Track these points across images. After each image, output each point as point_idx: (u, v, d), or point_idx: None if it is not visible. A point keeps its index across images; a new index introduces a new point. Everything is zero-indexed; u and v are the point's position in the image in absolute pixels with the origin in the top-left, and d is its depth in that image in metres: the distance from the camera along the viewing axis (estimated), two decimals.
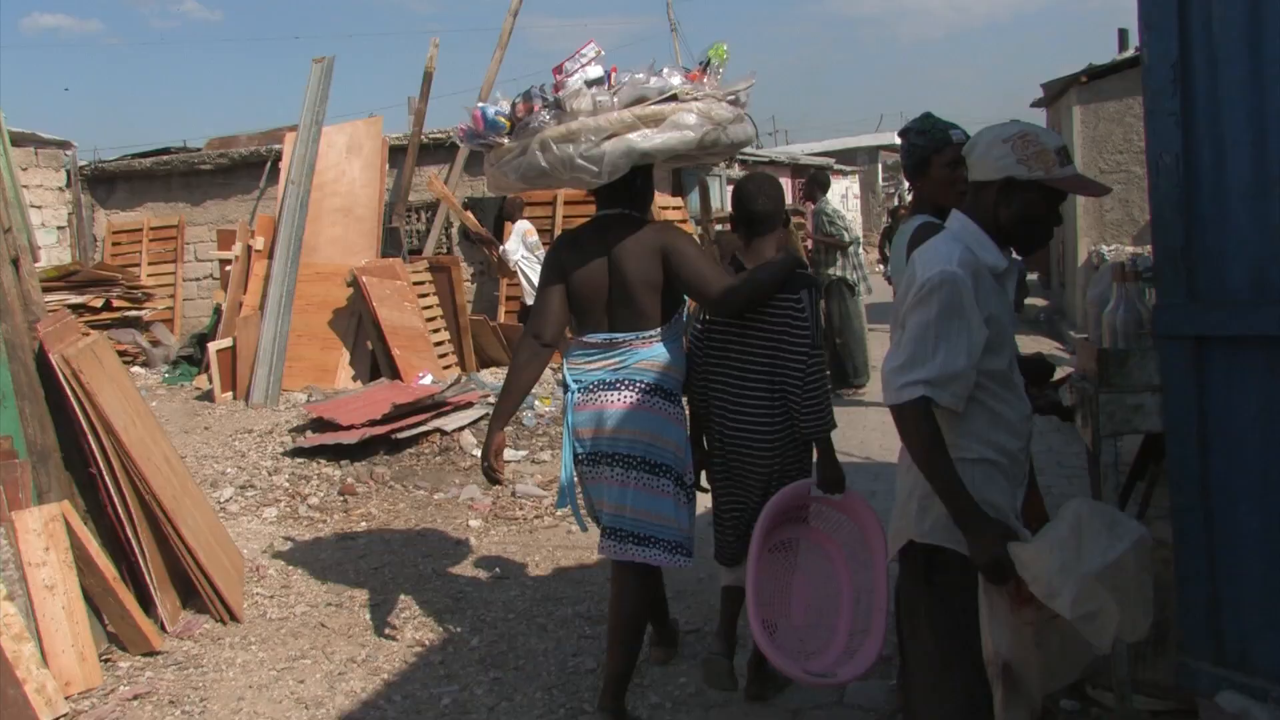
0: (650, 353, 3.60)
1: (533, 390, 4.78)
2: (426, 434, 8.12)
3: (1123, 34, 13.70)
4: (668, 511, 3.57)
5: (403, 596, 5.21)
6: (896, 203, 26.43)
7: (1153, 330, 3.08)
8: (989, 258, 2.52)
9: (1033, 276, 17.72)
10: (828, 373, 3.75)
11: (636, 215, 3.71)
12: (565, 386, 3.72)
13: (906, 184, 33.80)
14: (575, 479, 3.78)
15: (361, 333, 10.52)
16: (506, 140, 3.65)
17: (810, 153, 34.69)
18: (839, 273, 9.67)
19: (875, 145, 39.05)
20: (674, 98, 3.53)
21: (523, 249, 10.87)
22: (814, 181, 10.07)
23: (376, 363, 10.46)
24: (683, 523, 3.60)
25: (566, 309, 3.67)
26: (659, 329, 3.63)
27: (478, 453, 7.74)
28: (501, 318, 13.37)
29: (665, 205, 13.45)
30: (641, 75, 3.58)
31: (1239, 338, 2.81)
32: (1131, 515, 3.25)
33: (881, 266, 21.72)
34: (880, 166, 38.93)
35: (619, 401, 3.56)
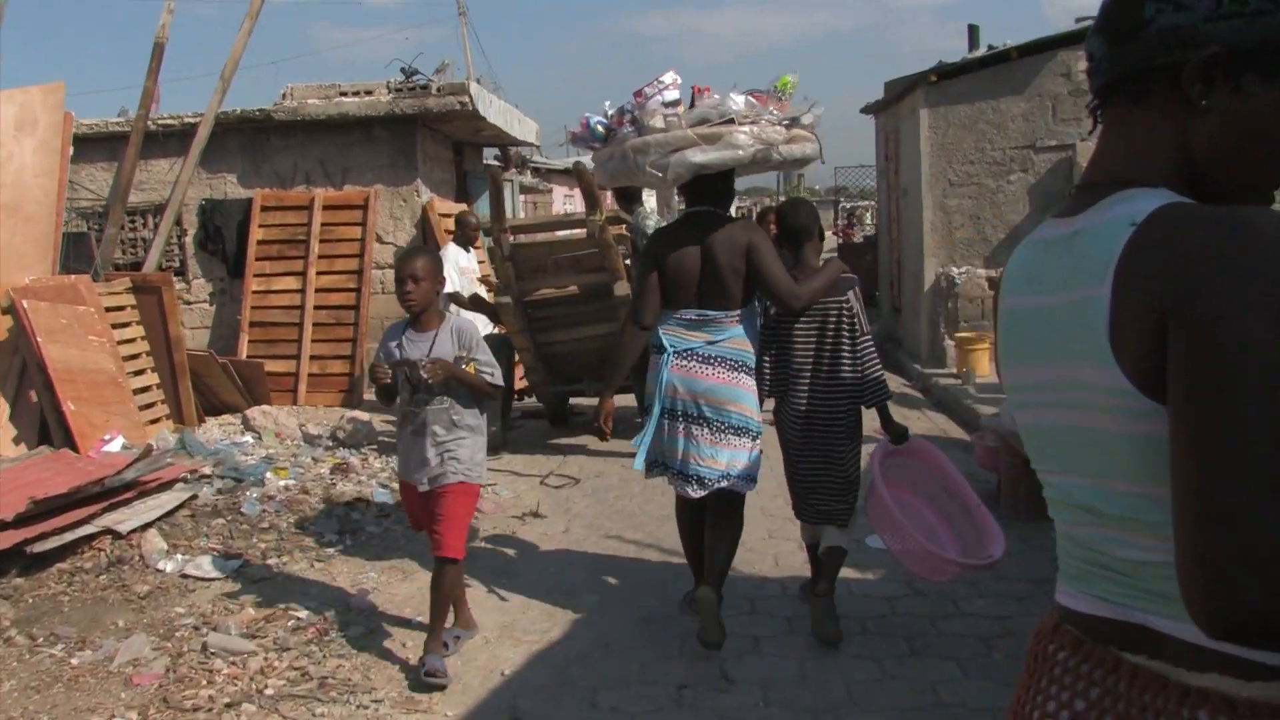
0: (737, 331, 4.25)
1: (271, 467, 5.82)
2: (91, 538, 5.46)
3: (973, 30, 12.26)
4: (750, 460, 4.28)
5: None
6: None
7: None
8: None
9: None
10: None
11: (720, 212, 4.39)
12: (660, 349, 4.29)
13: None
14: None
15: (27, 379, 7.61)
16: (600, 146, 4.49)
17: None
18: None
19: None
20: (731, 120, 4.19)
21: (458, 280, 8.12)
22: (622, 192, 7.95)
23: (47, 421, 7.57)
24: (755, 467, 4.33)
25: (659, 294, 4.29)
26: (741, 310, 4.27)
27: (167, 566, 5.18)
28: (243, 350, 10.60)
29: (445, 212, 11.03)
30: (716, 97, 4.29)
31: None
32: None
33: None
34: None
35: (716, 376, 4.21)
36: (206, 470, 6.83)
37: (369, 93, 10.77)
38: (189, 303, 11.38)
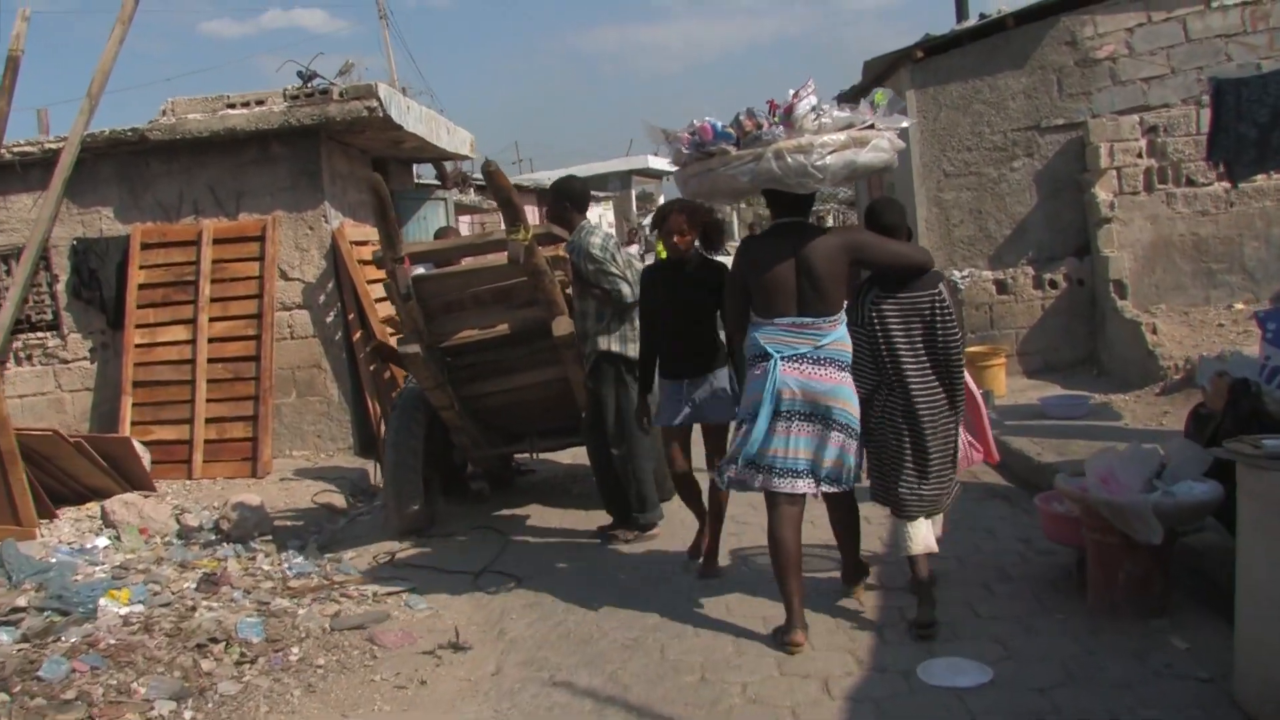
0: (838, 334, 4.36)
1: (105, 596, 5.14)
2: None
3: None
4: (850, 461, 4.41)
5: None
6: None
7: None
8: None
9: None
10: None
11: (810, 223, 4.57)
12: (764, 355, 4.34)
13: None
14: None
15: None
16: (734, 149, 4.30)
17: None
18: (614, 345, 5.87)
19: (628, 170, 36.03)
20: (871, 126, 4.28)
21: None
22: (565, 193, 6.33)
23: None
24: (859, 465, 4.51)
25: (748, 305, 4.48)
26: (840, 314, 4.39)
27: None
28: (127, 416, 8.87)
29: (360, 239, 9.35)
30: (829, 105, 4.30)
31: None
32: None
33: None
34: (634, 193, 35.93)
35: (829, 377, 4.32)
36: (20, 600, 5.13)
37: (260, 103, 9.07)
38: (66, 362, 9.62)
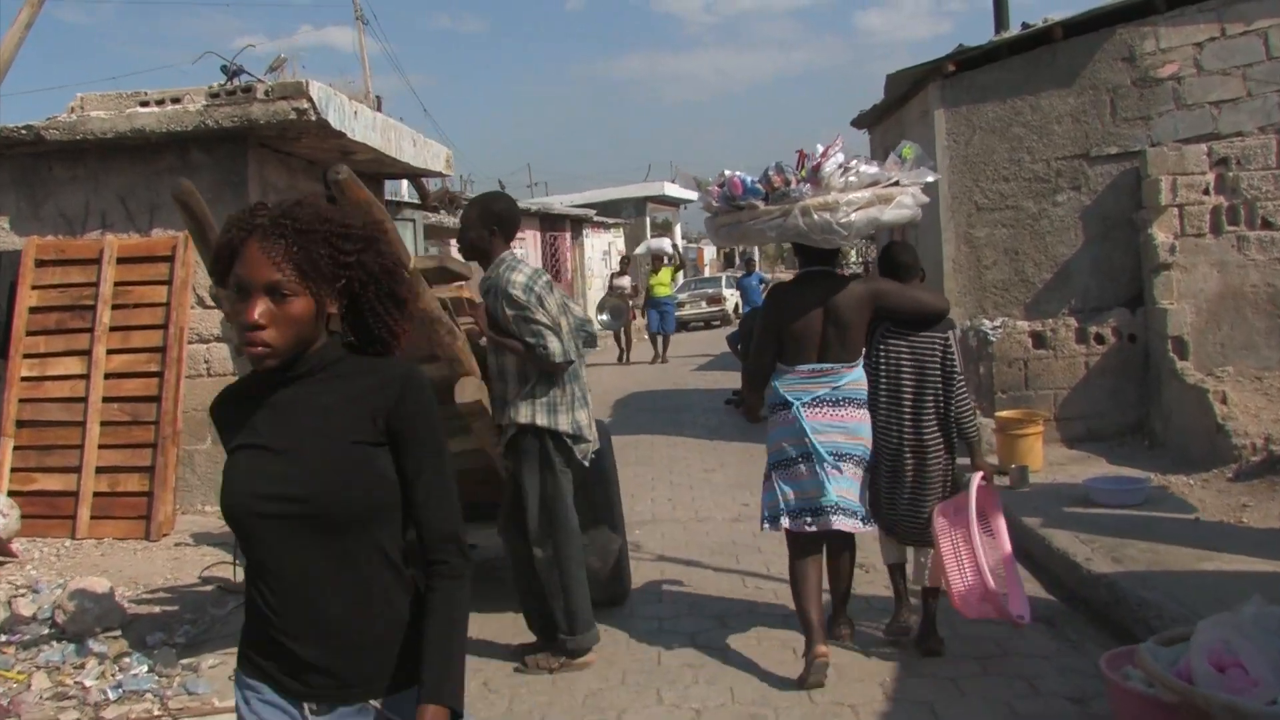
0: (855, 375, 4.49)
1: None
2: None
3: (1000, 4, 9.33)
4: (861, 494, 4.54)
5: None
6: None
7: None
8: None
9: None
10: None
11: (836, 272, 4.65)
12: (783, 404, 4.46)
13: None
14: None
15: None
16: (762, 204, 4.44)
17: (573, 204, 29.86)
18: (540, 416, 4.48)
19: (643, 196, 34.69)
20: (896, 183, 4.46)
21: None
22: (485, 213, 4.79)
23: None
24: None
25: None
26: (860, 359, 4.56)
27: None
28: (6, 461, 7.54)
29: None
30: (856, 161, 4.44)
31: None
32: None
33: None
34: (649, 221, 34.54)
35: (850, 416, 4.45)
36: None
37: (176, 100, 7.77)
38: None
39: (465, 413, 4.36)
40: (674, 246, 21.39)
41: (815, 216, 4.27)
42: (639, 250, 24.62)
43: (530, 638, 4.84)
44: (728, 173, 4.59)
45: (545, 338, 4.32)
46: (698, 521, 7.45)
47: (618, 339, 19.27)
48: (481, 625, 5.42)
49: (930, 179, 4.64)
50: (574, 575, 4.54)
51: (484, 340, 4.48)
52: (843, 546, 4.74)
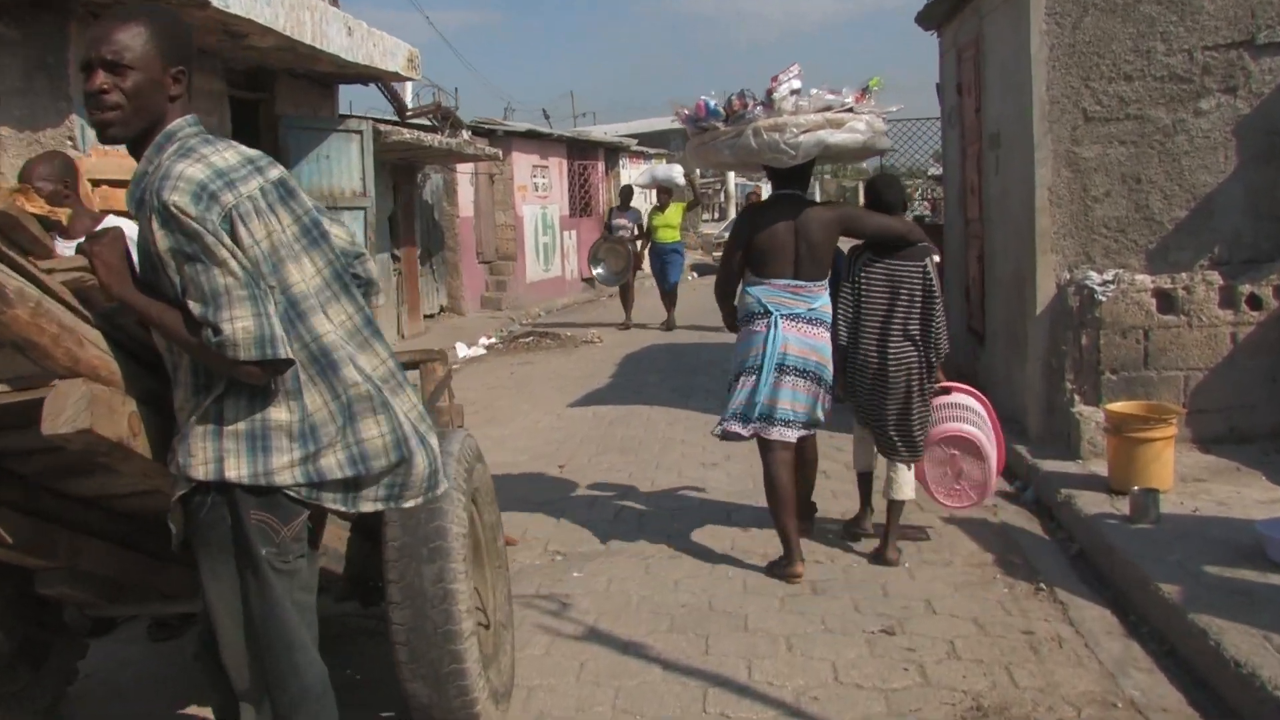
0: (825, 299, 4.91)
1: None
2: None
3: None
4: (823, 409, 4.94)
5: None
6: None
7: None
8: None
9: None
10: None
11: (806, 195, 5.07)
12: (763, 313, 4.84)
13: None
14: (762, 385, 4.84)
15: None
16: (722, 125, 4.85)
17: (614, 134, 27.43)
18: (227, 462, 2.24)
19: None
20: (850, 110, 4.77)
21: None
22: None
23: None
24: (821, 415, 4.96)
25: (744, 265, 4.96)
26: (825, 280, 4.93)
27: None
28: None
29: (117, 177, 5.90)
30: (821, 89, 4.83)
31: None
32: None
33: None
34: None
35: (819, 336, 4.88)
36: None
37: None
38: None
39: (81, 449, 2.15)
40: (686, 177, 15.25)
41: (765, 136, 4.68)
42: (638, 178, 18.38)
43: None
44: (700, 98, 4.96)
45: (225, 304, 2.09)
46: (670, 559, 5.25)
47: (623, 297, 15.21)
48: None
49: (891, 108, 5.08)
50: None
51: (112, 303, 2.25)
52: (802, 448, 5.05)
